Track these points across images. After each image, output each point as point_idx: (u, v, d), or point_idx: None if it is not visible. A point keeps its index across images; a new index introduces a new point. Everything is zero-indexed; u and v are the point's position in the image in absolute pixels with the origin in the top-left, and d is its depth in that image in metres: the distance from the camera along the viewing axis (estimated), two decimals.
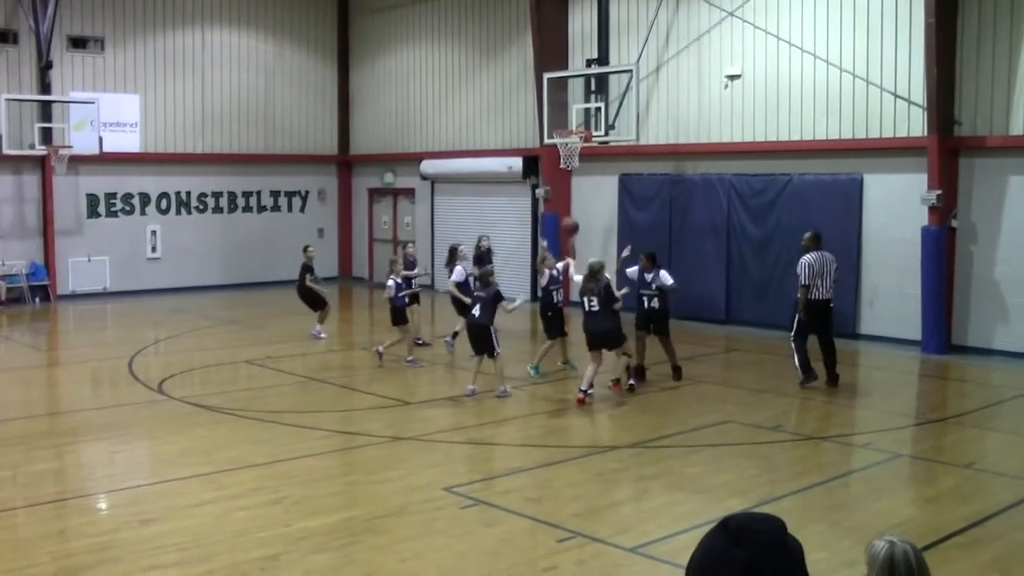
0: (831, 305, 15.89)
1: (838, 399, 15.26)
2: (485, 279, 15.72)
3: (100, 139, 26.25)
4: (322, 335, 20.46)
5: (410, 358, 17.76)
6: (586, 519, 9.55)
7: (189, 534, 9.01)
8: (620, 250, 19.90)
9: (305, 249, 21.06)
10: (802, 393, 15.37)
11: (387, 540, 8.93)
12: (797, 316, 15.74)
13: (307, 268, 20.51)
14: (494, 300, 15.19)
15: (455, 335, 18.79)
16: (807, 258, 15.68)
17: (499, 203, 27.27)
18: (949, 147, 18.44)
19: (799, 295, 15.75)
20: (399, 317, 18.00)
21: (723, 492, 10.44)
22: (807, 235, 16.12)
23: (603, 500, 10.34)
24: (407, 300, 18.21)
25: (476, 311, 15.20)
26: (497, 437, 13.19)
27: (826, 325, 15.84)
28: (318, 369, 17.67)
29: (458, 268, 18.37)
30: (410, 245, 21.53)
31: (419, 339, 19.26)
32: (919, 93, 18.76)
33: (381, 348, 17.79)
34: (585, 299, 14.77)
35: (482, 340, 15.15)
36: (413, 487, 10.56)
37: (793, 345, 15.77)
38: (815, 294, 15.59)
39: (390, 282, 18.03)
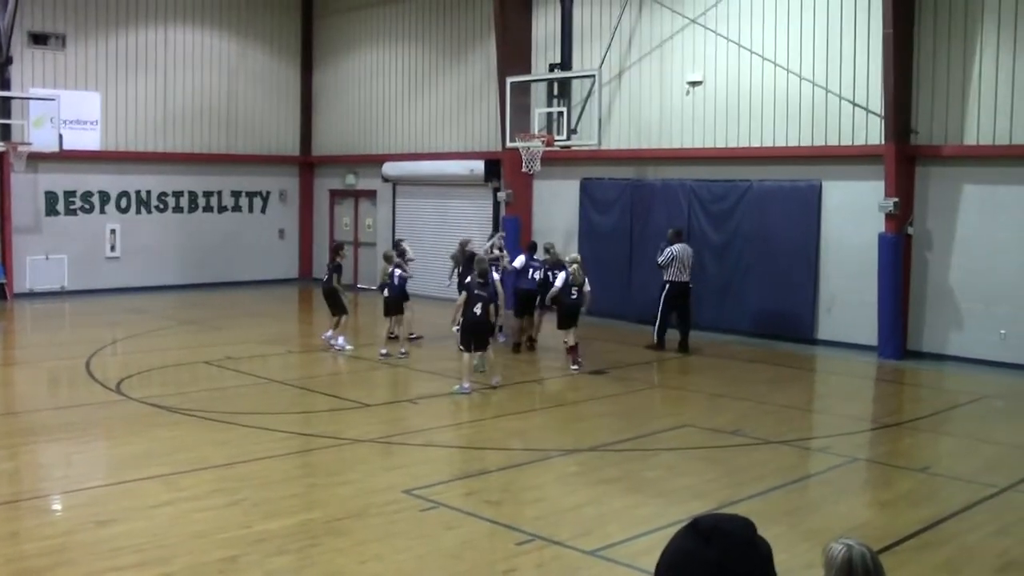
0: (690, 287, 19.49)
1: (795, 404, 15.41)
2: (485, 278, 16.09)
3: (60, 136, 25.96)
4: (347, 347, 19.11)
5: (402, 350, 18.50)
6: (546, 522, 9.58)
7: (147, 536, 8.95)
8: (580, 254, 20.04)
9: (340, 248, 20.28)
10: (760, 397, 15.48)
11: (347, 542, 8.93)
12: (664, 295, 19.33)
13: (338, 269, 19.69)
14: (492, 298, 16.07)
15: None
16: (671, 248, 19.27)
17: (461, 206, 27.33)
18: (906, 155, 18.66)
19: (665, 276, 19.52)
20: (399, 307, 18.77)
21: (683, 495, 10.51)
22: (671, 231, 19.74)
23: (563, 503, 10.37)
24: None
25: (478, 310, 15.65)
26: (457, 440, 13.22)
27: (685, 303, 19.54)
28: (278, 370, 17.64)
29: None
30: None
31: (412, 334, 19.71)
32: (877, 102, 18.95)
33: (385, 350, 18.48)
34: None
35: (485, 337, 15.94)
36: (373, 489, 10.56)
37: (659, 317, 19.48)
38: (677, 276, 19.22)
39: (399, 272, 18.76)
